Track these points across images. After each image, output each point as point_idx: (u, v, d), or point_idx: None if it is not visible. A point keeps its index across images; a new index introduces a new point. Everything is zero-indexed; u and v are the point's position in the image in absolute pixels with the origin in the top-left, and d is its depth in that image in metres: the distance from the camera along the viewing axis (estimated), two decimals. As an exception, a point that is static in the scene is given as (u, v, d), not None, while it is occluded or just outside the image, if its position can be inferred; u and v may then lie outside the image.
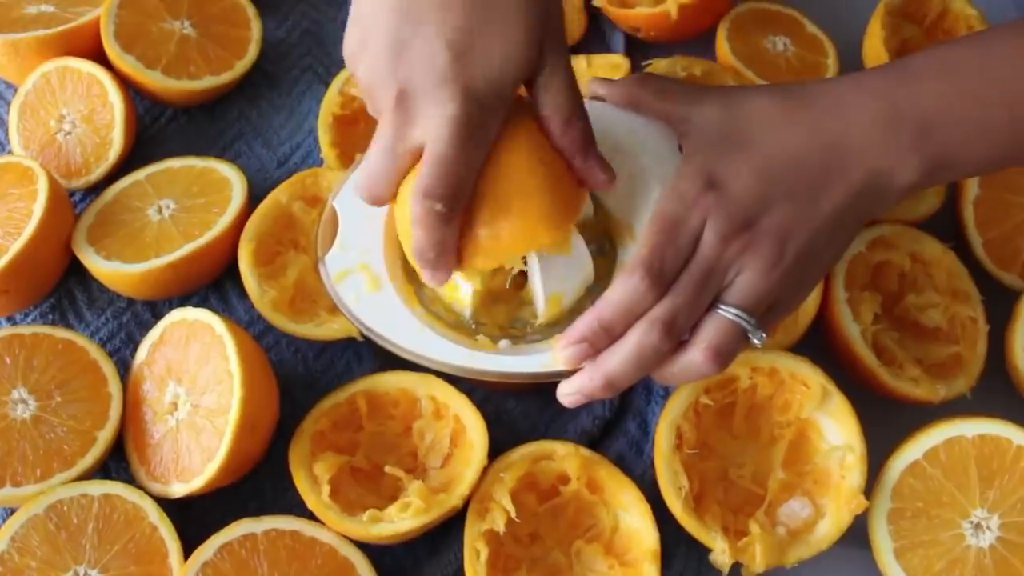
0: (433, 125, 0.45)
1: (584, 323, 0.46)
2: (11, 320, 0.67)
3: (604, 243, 0.53)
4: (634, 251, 0.48)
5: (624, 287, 0.46)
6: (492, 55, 0.45)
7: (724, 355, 0.46)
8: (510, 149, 0.47)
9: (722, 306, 0.47)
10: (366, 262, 0.53)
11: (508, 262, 0.49)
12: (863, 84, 0.50)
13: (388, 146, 0.46)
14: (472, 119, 0.45)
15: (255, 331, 0.66)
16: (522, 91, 0.48)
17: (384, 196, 0.49)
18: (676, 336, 0.46)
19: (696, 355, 0.46)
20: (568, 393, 0.48)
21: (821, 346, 0.64)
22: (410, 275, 0.54)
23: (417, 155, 0.46)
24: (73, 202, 0.71)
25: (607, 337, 0.46)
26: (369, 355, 0.65)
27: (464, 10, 0.45)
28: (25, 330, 0.61)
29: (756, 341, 0.47)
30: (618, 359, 0.46)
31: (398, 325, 0.51)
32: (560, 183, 0.47)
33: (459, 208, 0.46)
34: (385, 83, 0.46)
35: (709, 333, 0.46)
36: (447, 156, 0.44)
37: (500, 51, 0.45)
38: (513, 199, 0.46)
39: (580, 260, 0.51)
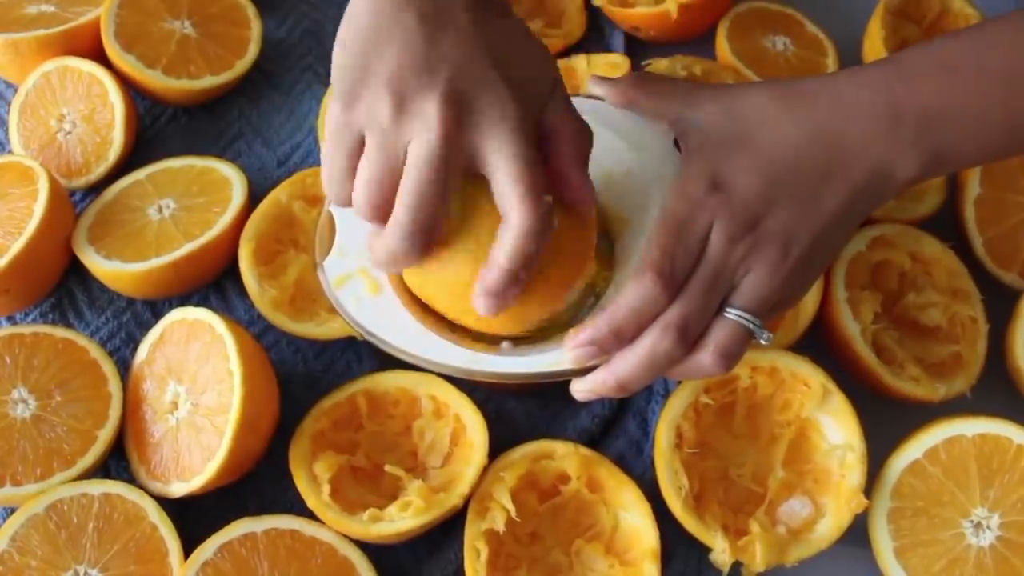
0: (503, 138, 0.42)
1: (595, 326, 0.46)
2: (11, 320, 0.67)
3: (601, 239, 0.53)
4: (638, 252, 0.48)
5: (635, 290, 0.45)
6: (527, 63, 0.45)
7: (732, 357, 0.47)
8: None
9: (730, 309, 0.47)
10: (365, 266, 0.53)
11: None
12: (862, 80, 0.50)
13: (433, 165, 0.42)
14: (528, 119, 0.43)
15: (255, 330, 0.66)
16: None
17: (432, 239, 0.44)
18: (689, 340, 0.46)
19: (705, 357, 0.46)
20: (580, 390, 0.49)
21: (821, 345, 0.64)
22: None
23: (461, 182, 0.43)
24: (73, 202, 0.71)
25: (617, 340, 0.46)
26: (369, 355, 0.65)
27: (483, 23, 0.44)
28: (25, 330, 0.61)
29: (763, 341, 0.47)
30: (631, 363, 0.46)
31: (399, 328, 0.51)
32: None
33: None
34: (422, 81, 0.42)
35: (718, 336, 0.46)
36: (529, 160, 0.42)
37: (533, 60, 0.45)
38: (547, 267, 0.46)
39: None
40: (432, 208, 0.42)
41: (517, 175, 0.42)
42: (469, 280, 0.45)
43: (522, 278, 0.44)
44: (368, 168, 0.43)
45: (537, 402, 0.63)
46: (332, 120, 0.44)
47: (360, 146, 0.43)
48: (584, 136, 0.46)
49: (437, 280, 0.47)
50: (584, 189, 0.46)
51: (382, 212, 0.44)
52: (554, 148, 0.45)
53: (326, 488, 0.57)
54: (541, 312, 0.48)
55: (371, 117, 0.42)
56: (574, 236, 0.47)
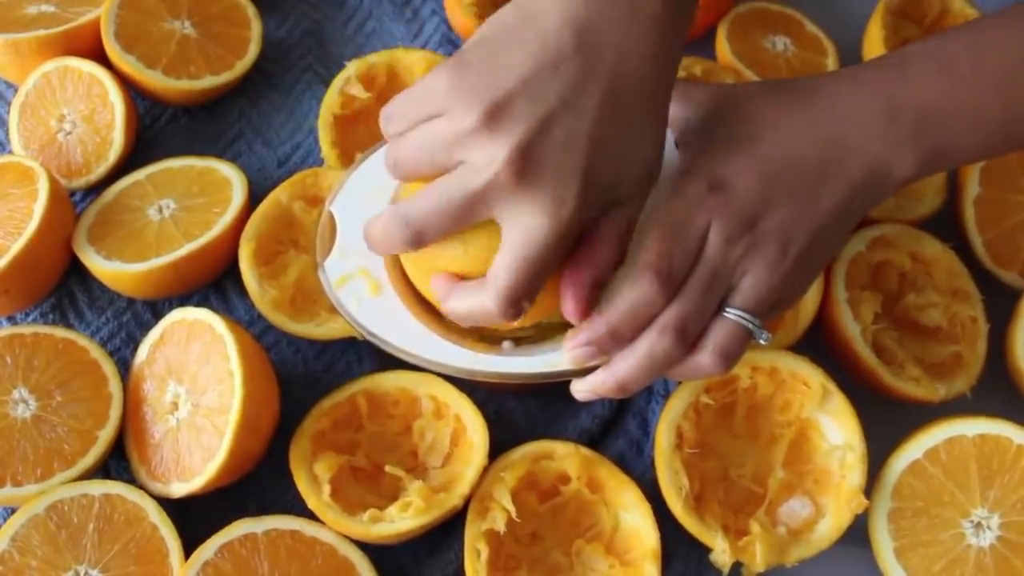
0: (538, 222, 0.42)
1: (593, 327, 0.46)
2: (11, 320, 0.67)
3: None
4: (640, 252, 0.48)
5: (632, 291, 0.45)
6: (625, 160, 0.44)
7: (732, 357, 0.47)
8: None
9: (729, 309, 0.47)
10: (366, 267, 0.53)
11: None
12: (859, 79, 0.50)
13: (468, 196, 0.42)
14: (576, 226, 0.43)
15: (255, 331, 0.66)
16: None
17: (428, 242, 0.45)
18: (688, 341, 0.46)
19: (704, 357, 0.46)
20: (580, 390, 0.49)
21: (821, 346, 0.64)
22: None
23: (480, 221, 0.43)
24: (74, 202, 0.71)
25: (615, 341, 0.46)
26: (369, 355, 0.65)
27: (619, 102, 0.43)
28: (25, 330, 0.61)
29: (762, 341, 0.47)
30: (630, 363, 0.46)
31: (400, 329, 0.51)
32: None
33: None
34: (515, 113, 0.41)
35: (718, 336, 0.46)
36: (542, 262, 0.42)
37: (632, 159, 0.44)
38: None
39: None
40: (434, 229, 0.44)
41: (513, 276, 0.42)
42: (442, 269, 0.47)
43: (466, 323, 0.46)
44: (423, 144, 0.43)
45: (537, 402, 0.63)
46: (436, 78, 0.43)
47: (437, 116, 0.43)
48: (610, 265, 0.45)
49: (421, 253, 0.48)
50: (577, 307, 0.45)
51: (408, 180, 0.46)
52: (581, 255, 0.45)
53: (326, 488, 0.57)
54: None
55: (456, 112, 0.42)
56: (553, 304, 0.47)
